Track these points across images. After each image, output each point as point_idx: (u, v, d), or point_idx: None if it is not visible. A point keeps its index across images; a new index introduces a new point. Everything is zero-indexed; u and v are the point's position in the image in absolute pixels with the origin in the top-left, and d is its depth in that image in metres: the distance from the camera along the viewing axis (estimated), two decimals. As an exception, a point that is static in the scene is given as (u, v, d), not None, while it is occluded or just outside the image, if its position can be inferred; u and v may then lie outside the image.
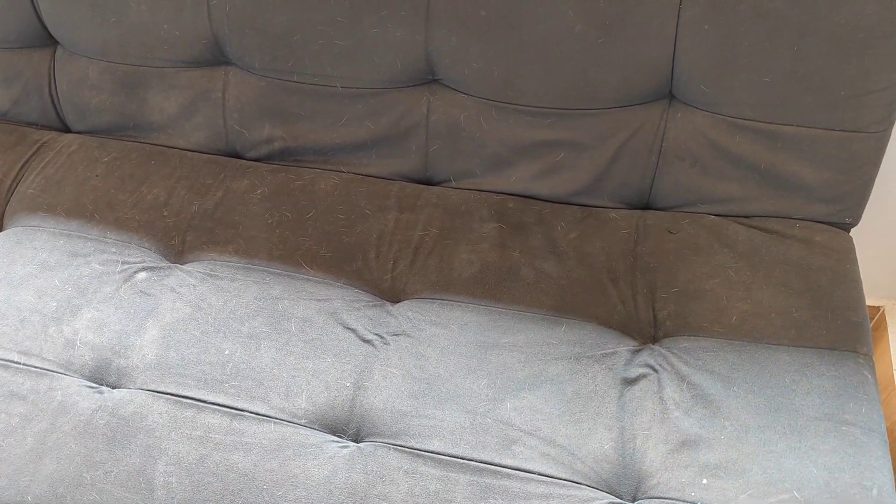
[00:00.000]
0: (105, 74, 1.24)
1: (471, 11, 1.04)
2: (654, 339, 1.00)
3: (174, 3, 1.14)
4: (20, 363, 1.00)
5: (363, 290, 1.07)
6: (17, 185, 1.24)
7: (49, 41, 1.26)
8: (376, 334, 1.01)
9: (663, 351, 0.97)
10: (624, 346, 0.98)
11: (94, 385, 0.99)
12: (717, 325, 0.98)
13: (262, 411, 0.94)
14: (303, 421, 0.94)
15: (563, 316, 1.01)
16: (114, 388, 0.99)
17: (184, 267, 1.11)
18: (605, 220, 1.11)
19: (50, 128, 1.34)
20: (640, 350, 0.98)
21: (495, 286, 1.04)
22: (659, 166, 1.09)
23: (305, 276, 1.08)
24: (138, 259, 1.11)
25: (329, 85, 1.15)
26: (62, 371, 1.00)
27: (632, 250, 1.07)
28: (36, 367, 1.00)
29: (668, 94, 1.06)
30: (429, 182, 1.20)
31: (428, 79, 1.13)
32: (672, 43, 1.00)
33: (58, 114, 1.32)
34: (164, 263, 1.12)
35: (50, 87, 1.29)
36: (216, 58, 1.19)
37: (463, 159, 1.16)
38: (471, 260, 1.07)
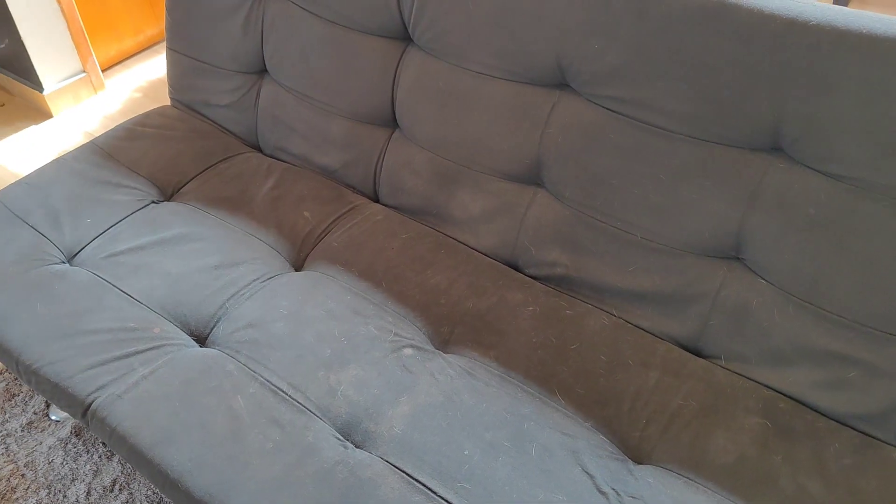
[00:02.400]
0: (428, 165, 1.37)
1: (800, 206, 1.04)
2: None
3: (512, 123, 1.24)
4: (287, 394, 1.10)
5: (608, 439, 1.06)
6: (325, 234, 1.39)
7: (392, 124, 1.43)
8: (613, 489, 0.99)
9: None
10: None
11: (341, 438, 1.06)
12: None
13: (485, 524, 0.95)
14: (520, 549, 0.93)
15: (817, 545, 0.93)
16: (357, 446, 1.06)
17: (446, 356, 1.17)
18: (888, 459, 1.02)
19: (363, 194, 1.50)
20: None
21: (749, 486, 0.99)
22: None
23: (556, 406, 1.09)
24: (409, 335, 1.19)
25: (629, 232, 1.18)
26: (319, 414, 1.08)
27: (912, 501, 0.97)
28: (298, 403, 1.09)
29: None
30: (697, 353, 1.18)
31: (731, 255, 1.12)
32: None
33: (374, 184, 1.47)
34: (430, 347, 1.19)
35: (378, 161, 1.45)
36: (531, 178, 1.28)
37: (741, 343, 1.13)
38: (727, 448, 1.03)
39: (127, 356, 1.15)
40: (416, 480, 1.00)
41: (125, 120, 2.37)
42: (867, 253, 1.00)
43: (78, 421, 1.16)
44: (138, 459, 1.05)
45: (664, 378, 1.12)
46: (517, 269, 1.33)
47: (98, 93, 2.54)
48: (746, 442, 1.03)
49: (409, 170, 1.40)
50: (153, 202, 1.45)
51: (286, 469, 1.01)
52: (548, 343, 1.18)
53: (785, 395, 1.10)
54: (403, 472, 1.01)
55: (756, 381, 1.12)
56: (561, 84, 1.20)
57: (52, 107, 2.42)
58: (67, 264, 1.32)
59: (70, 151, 1.55)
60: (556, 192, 1.25)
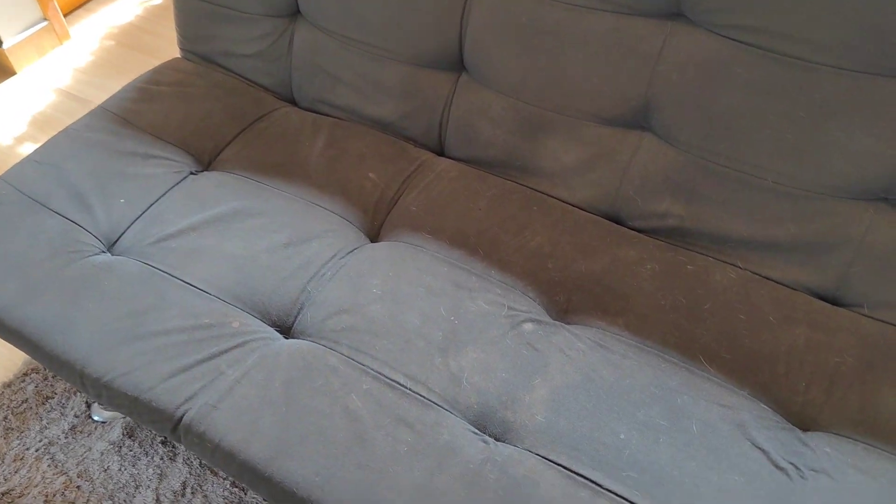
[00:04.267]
0: (509, 112, 1.23)
1: (970, 139, 0.94)
2: None
3: (615, 61, 1.10)
4: (407, 388, 0.98)
5: (770, 407, 0.97)
6: (398, 198, 1.24)
7: (457, 66, 1.27)
8: (791, 463, 0.91)
9: None
10: None
11: (478, 432, 0.95)
12: None
13: (664, 516, 0.86)
14: (709, 541, 0.85)
15: None
16: (498, 440, 0.95)
17: (570, 328, 1.05)
18: None
19: (426, 147, 1.34)
20: None
21: (932, 446, 0.92)
22: None
23: (704, 375, 1.00)
24: (524, 308, 1.07)
25: (758, 177, 1.07)
26: (448, 408, 0.96)
27: None
28: (422, 396, 0.97)
29: None
30: (835, 302, 1.10)
31: (880, 196, 1.03)
32: None
33: (440, 136, 1.32)
34: (549, 319, 1.07)
35: (444, 110, 1.29)
36: (636, 122, 1.15)
37: (890, 289, 1.05)
38: (899, 407, 0.96)
39: (210, 357, 1.00)
40: (577, 474, 0.90)
41: (101, 73, 2.12)
42: None
43: (167, 437, 1.01)
44: (253, 477, 0.92)
45: (813, 334, 1.04)
46: (619, 222, 1.22)
47: (63, 43, 2.26)
48: (917, 399, 0.96)
49: (486, 118, 1.25)
50: (191, 173, 1.27)
51: (428, 474, 0.89)
52: (678, 304, 1.07)
53: (940, 342, 1.03)
54: (559, 465, 0.91)
55: (907, 329, 1.05)
56: (674, 14, 1.06)
57: (14, 62, 2.15)
58: (109, 254, 1.15)
59: (78, 120, 1.34)
60: (667, 136, 1.13)
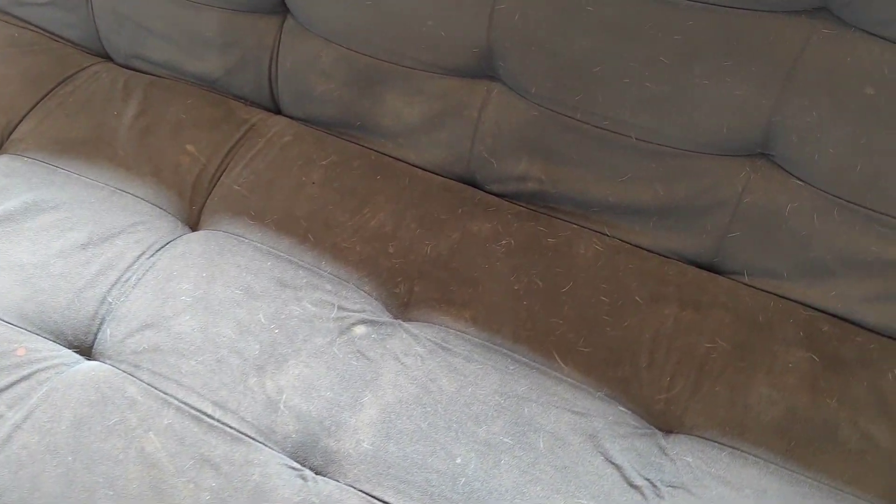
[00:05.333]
0: (341, 62, 1.03)
1: (852, 85, 0.78)
2: None
3: (449, 0, 0.91)
4: (215, 418, 0.84)
5: (629, 409, 0.85)
6: (221, 174, 1.06)
7: (279, 8, 1.06)
8: (647, 479, 0.80)
9: None
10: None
11: (296, 466, 0.82)
12: None
13: (500, 557, 0.76)
14: (548, 580, 0.75)
15: (896, 509, 0.77)
16: (319, 473, 0.83)
17: (409, 327, 0.92)
18: (956, 377, 0.86)
19: (260, 106, 1.15)
20: None
21: (804, 444, 0.81)
22: None
23: (558, 375, 0.87)
24: (357, 306, 0.93)
25: (622, 133, 0.91)
26: (262, 440, 0.83)
27: None
28: (232, 428, 0.84)
29: None
30: (713, 270, 0.96)
31: (755, 151, 0.87)
32: None
33: (272, 93, 1.13)
34: (386, 317, 0.93)
35: (271, 62, 1.09)
36: (482, 71, 0.97)
37: (770, 256, 0.91)
38: (773, 398, 0.84)
39: (-13, 399, 0.86)
40: (404, 512, 0.78)
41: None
42: (943, 139, 0.77)
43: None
44: (33, 546, 0.80)
45: (683, 314, 0.91)
46: (477, 186, 1.05)
47: None
48: (793, 386, 0.85)
49: (316, 71, 1.06)
50: (-24, 160, 1.08)
51: (234, 527, 0.78)
52: (533, 288, 0.93)
53: (827, 312, 0.91)
54: (384, 502, 0.79)
55: (790, 300, 0.92)
56: (510, -61, 0.86)
57: None
58: None
59: None
60: (517, 87, 0.95)
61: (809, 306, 0.91)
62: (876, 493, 0.78)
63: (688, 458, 0.81)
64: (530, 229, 0.99)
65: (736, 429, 0.83)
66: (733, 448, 0.82)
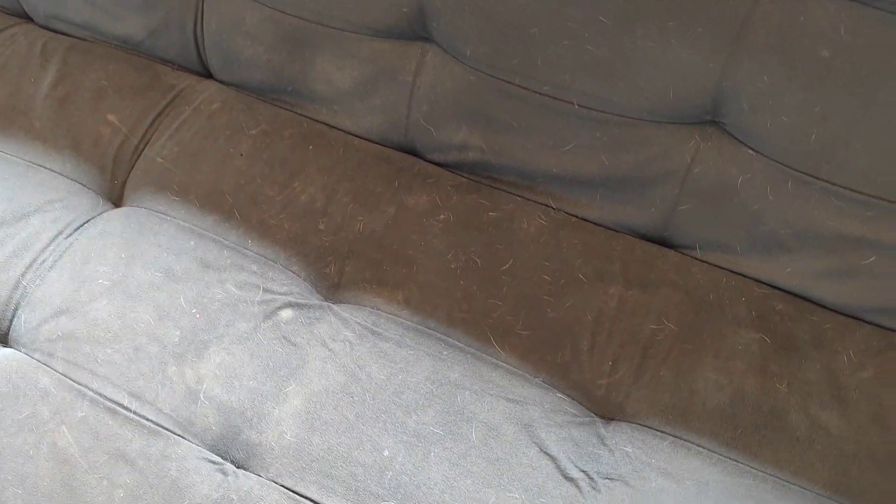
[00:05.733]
0: (267, 24, 0.96)
1: (807, 47, 0.71)
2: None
3: (375, -47, 0.83)
4: (131, 410, 0.80)
5: (567, 396, 0.81)
6: (145, 146, 1.00)
7: (201, -36, 0.98)
8: (583, 471, 0.76)
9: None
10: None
11: (216, 460, 0.78)
12: None
13: (426, 556, 0.72)
14: (476, 580, 0.71)
15: (843, 500, 0.73)
16: (240, 466, 0.78)
17: (339, 310, 0.86)
18: (914, 357, 0.81)
19: (190, 70, 1.08)
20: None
21: (751, 432, 0.77)
22: None
23: (494, 360, 0.82)
24: (283, 288, 0.87)
25: (563, 99, 0.84)
26: (179, 432, 0.79)
27: (950, 416, 0.77)
28: (149, 421, 0.79)
29: None
30: (665, 244, 0.91)
31: (705, 119, 0.81)
32: None
33: (200, 57, 1.05)
34: (315, 300, 0.88)
35: (196, 24, 1.02)
36: (415, 32, 0.89)
37: (722, 230, 0.86)
38: (719, 383, 0.80)
39: None
40: (327, 508, 0.74)
41: None
42: (902, 107, 0.70)
43: None
44: (-61, 548, 0.76)
45: (628, 293, 0.85)
46: (416, 155, 0.99)
47: None
48: (742, 370, 0.80)
49: (241, 33, 0.98)
50: None
51: (149, 528, 0.74)
52: (471, 266, 0.88)
53: (781, 289, 0.86)
54: (306, 498, 0.75)
55: (744, 276, 0.87)
56: None
57: None
58: None
59: None
60: (452, 49, 0.88)
61: (764, 283, 0.86)
62: (822, 484, 0.74)
63: (627, 448, 0.77)
64: (471, 202, 0.93)
65: (680, 416, 0.78)
66: (676, 437, 0.77)
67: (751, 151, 0.80)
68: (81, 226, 0.93)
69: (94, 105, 1.02)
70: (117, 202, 0.98)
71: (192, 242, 0.90)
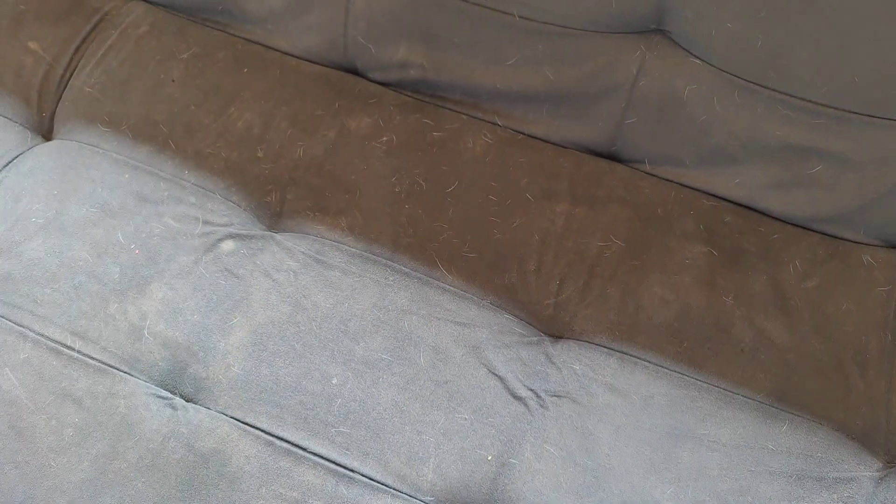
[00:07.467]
0: (189, -63, 0.90)
1: (753, -53, 0.68)
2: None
3: None
4: (74, 349, 0.79)
5: (515, 316, 0.81)
6: (71, 75, 0.95)
7: None
8: (531, 390, 0.76)
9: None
10: (866, 470, 0.72)
11: (165, 395, 0.78)
12: None
13: (378, 477, 0.73)
14: (429, 498, 0.73)
15: (785, 408, 0.75)
16: (189, 400, 0.78)
17: (282, 239, 0.84)
18: (856, 265, 0.81)
19: (113, -11, 1.01)
20: (886, 477, 0.72)
21: (697, 345, 0.78)
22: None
23: (441, 284, 0.82)
24: (224, 219, 0.85)
25: (503, 11, 0.80)
26: (126, 369, 0.78)
27: (891, 321, 0.78)
28: (94, 360, 0.78)
29: None
30: (614, 158, 0.89)
31: (650, 27, 0.78)
32: None
33: (124, -26, 0.99)
34: (257, 230, 0.86)
35: (115, -63, 0.95)
36: (345, -58, 0.84)
37: (670, 143, 0.84)
38: (666, 298, 0.80)
39: None
40: (278, 437, 0.75)
41: None
42: (849, 9, 0.67)
43: None
44: None
45: (576, 211, 0.84)
46: (358, 74, 0.95)
47: None
48: (689, 284, 0.80)
49: (164, -52, 0.92)
50: None
51: (99, 463, 0.73)
52: (416, 190, 0.86)
53: (730, 201, 0.85)
54: (259, 429, 0.75)
55: (693, 188, 0.86)
56: None
57: None
58: None
59: None
60: (385, -40, 0.83)
61: (713, 195, 0.85)
62: (765, 393, 0.75)
63: (575, 366, 0.78)
64: (415, 123, 0.90)
65: (627, 332, 0.79)
66: (623, 353, 0.78)
67: (697, 61, 0.77)
68: (10, 162, 0.90)
69: (12, 33, 0.96)
70: (47, 136, 0.94)
71: (126, 175, 0.87)
